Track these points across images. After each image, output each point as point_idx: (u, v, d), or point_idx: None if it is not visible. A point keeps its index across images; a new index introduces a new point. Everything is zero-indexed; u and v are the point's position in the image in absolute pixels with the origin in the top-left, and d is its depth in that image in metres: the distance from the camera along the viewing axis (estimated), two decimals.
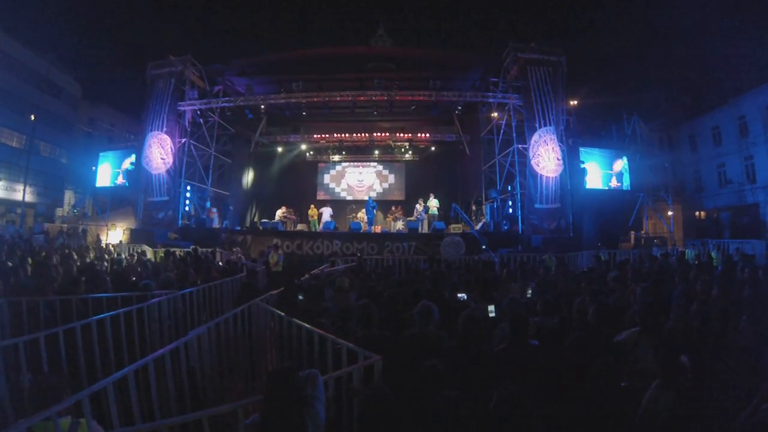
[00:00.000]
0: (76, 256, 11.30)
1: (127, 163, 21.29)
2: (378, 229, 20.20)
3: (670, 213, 23.58)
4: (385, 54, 22.13)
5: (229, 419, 2.80)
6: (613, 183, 19.72)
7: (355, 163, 26.45)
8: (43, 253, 11.75)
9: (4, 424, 3.43)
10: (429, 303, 4.09)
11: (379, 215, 21.80)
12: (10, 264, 8.57)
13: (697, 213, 31.01)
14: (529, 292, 6.24)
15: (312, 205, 21.89)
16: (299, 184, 25.61)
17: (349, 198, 25.79)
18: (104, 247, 15.77)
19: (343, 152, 25.72)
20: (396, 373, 3.23)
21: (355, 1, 79.33)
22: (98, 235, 20.78)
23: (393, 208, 22.12)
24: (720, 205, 28.81)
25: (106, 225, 22.00)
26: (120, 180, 21.60)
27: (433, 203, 19.87)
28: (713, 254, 13.91)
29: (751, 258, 10.35)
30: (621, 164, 19.72)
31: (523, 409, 2.29)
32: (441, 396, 2.45)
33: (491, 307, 5.05)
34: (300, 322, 4.22)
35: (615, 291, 6.07)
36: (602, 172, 19.58)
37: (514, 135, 17.62)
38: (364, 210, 20.55)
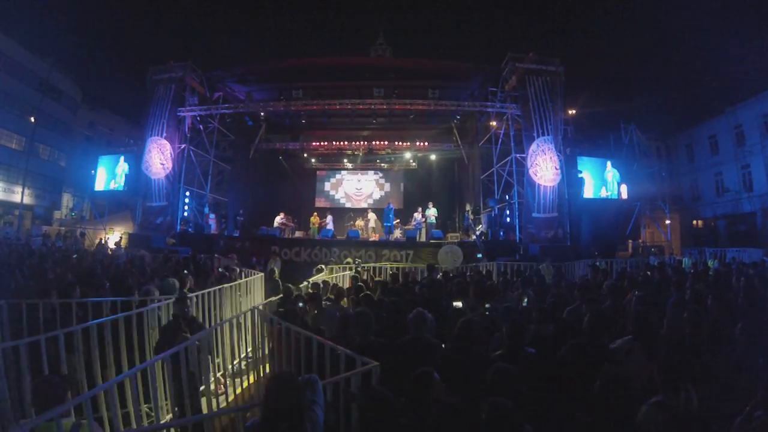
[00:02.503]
0: (75, 259, 11.32)
1: (121, 168, 21.25)
2: (376, 237, 20.24)
3: (667, 222, 23.71)
4: (384, 65, 22.25)
5: (230, 422, 2.84)
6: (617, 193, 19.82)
7: (354, 171, 26.54)
8: (42, 255, 11.76)
9: (5, 424, 3.46)
10: (422, 310, 4.14)
11: (377, 223, 21.84)
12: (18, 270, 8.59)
13: (694, 222, 31.19)
14: (525, 300, 6.27)
15: (315, 213, 21.91)
16: (297, 192, 25.63)
17: (348, 205, 25.85)
18: (104, 245, 15.77)
19: (343, 160, 25.77)
20: (392, 379, 3.27)
21: (356, 11, 79.77)
22: (101, 239, 20.79)
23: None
24: (717, 214, 28.98)
25: (104, 229, 22.02)
26: (113, 185, 21.54)
27: (432, 212, 19.94)
28: (710, 263, 13.99)
29: (749, 266, 10.45)
30: (611, 175, 19.82)
31: (513, 419, 2.33)
32: (439, 403, 2.49)
33: (487, 306, 5.13)
34: (299, 328, 4.26)
35: (608, 298, 6.11)
36: (598, 181, 19.67)
37: (512, 144, 17.70)
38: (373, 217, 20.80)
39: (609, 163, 19.77)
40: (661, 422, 2.75)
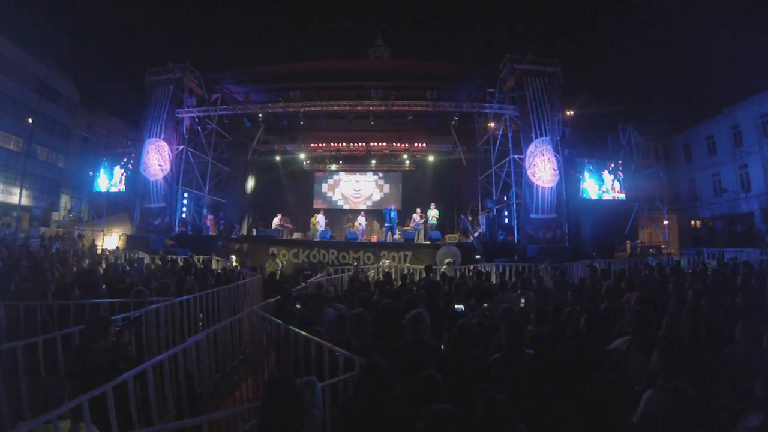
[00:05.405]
0: (72, 261, 11.28)
1: (120, 173, 21.20)
2: (374, 238, 20.22)
3: (665, 222, 23.69)
4: (382, 69, 22.22)
5: (228, 425, 2.83)
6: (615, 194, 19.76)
7: (352, 173, 26.47)
8: (39, 257, 11.73)
9: (2, 427, 3.44)
10: (421, 311, 4.13)
11: (375, 225, 21.80)
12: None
13: (692, 222, 31.20)
14: (523, 301, 6.28)
15: (315, 215, 21.88)
16: (296, 193, 25.58)
17: (346, 207, 25.79)
18: (100, 252, 15.73)
19: (340, 161, 25.71)
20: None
21: (355, 12, 79.84)
22: (93, 241, 20.73)
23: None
24: (715, 214, 29.01)
25: (102, 230, 21.96)
26: (113, 189, 21.46)
27: (433, 213, 19.92)
28: (708, 263, 13.96)
29: (747, 266, 10.41)
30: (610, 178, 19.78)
31: (508, 417, 2.33)
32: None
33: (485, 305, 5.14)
34: (297, 330, 4.25)
35: (605, 299, 6.12)
36: (596, 182, 19.67)
37: (511, 145, 17.69)
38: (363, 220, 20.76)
39: (606, 171, 19.75)
40: (667, 406, 2.75)
